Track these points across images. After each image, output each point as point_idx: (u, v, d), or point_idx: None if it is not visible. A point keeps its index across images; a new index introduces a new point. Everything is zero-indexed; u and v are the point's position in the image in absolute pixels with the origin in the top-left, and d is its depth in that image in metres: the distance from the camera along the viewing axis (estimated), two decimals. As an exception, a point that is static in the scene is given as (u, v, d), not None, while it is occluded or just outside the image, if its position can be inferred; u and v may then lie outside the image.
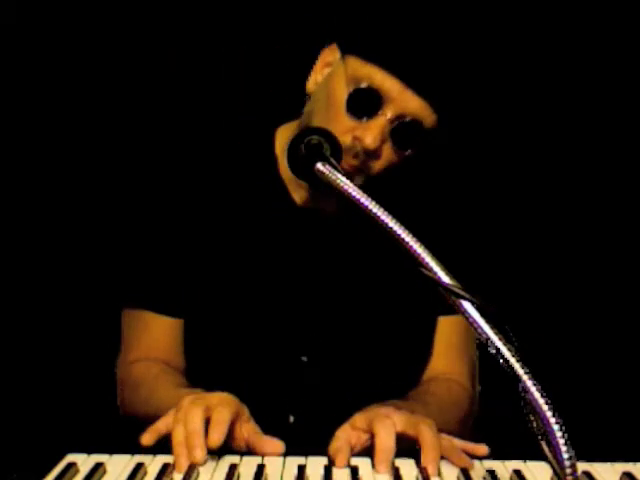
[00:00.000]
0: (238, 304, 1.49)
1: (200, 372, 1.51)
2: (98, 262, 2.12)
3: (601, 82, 2.19)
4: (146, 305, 1.53)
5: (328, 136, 1.35)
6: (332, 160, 1.29)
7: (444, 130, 1.43)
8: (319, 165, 1.27)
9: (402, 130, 1.37)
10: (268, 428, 1.25)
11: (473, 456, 1.18)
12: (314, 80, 1.48)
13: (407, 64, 1.34)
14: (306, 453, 1.17)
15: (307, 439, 1.37)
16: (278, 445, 1.20)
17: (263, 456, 1.17)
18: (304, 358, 1.49)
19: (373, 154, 1.38)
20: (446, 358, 1.57)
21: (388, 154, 1.39)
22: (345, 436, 1.21)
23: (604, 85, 2.19)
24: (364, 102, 1.37)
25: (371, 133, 1.35)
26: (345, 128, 1.37)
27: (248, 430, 1.22)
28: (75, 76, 2.15)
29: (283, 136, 1.54)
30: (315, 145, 1.33)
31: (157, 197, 1.55)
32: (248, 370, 1.48)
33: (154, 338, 1.53)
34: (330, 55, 1.46)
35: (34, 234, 2.17)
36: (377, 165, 1.40)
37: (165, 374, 1.47)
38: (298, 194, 1.51)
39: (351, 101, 1.37)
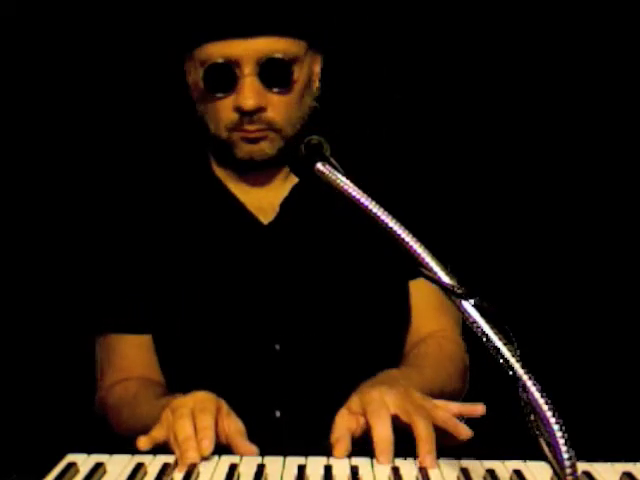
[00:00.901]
0: (204, 302, 1.49)
1: (179, 378, 1.50)
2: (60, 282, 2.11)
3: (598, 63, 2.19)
4: (110, 328, 1.54)
5: (328, 136, 1.36)
6: (332, 160, 1.29)
7: (314, 43, 1.47)
8: (319, 165, 1.27)
9: (266, 72, 1.41)
10: (255, 425, 1.26)
11: (473, 452, 1.18)
12: (192, 89, 1.52)
13: (214, 24, 1.40)
14: (306, 453, 1.17)
15: (296, 433, 1.38)
16: (252, 450, 1.19)
17: (263, 456, 1.17)
18: (277, 346, 1.48)
19: (259, 110, 1.41)
20: (428, 318, 1.55)
21: (275, 99, 1.43)
22: (344, 423, 1.21)
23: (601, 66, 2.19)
24: (218, 76, 1.42)
25: (243, 94, 1.40)
26: (225, 108, 1.43)
27: (229, 425, 1.22)
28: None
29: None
30: (315, 145, 1.33)
31: (103, 215, 1.57)
32: (224, 368, 1.47)
33: (128, 358, 1.53)
34: (189, 64, 1.50)
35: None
36: (273, 115, 1.43)
37: (143, 389, 1.47)
38: (236, 189, 1.54)
39: (208, 82, 1.42)
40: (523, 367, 0.96)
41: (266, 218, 1.53)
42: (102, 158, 1.98)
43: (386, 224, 1.11)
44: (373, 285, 1.51)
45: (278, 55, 1.41)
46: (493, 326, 1.01)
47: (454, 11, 2.15)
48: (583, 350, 2.20)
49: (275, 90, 1.43)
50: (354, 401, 1.23)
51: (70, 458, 1.15)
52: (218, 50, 1.40)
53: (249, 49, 1.39)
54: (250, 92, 1.40)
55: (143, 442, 1.18)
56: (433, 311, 1.56)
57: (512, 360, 0.97)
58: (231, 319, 1.48)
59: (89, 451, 1.17)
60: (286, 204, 1.52)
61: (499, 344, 0.99)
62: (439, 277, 1.05)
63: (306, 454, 1.17)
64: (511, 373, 0.96)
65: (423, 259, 1.07)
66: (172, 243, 1.53)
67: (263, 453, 1.19)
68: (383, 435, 1.16)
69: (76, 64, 2.12)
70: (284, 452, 1.17)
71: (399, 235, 1.09)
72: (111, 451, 1.17)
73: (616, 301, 2.22)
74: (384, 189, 1.36)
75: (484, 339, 1.01)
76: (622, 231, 2.22)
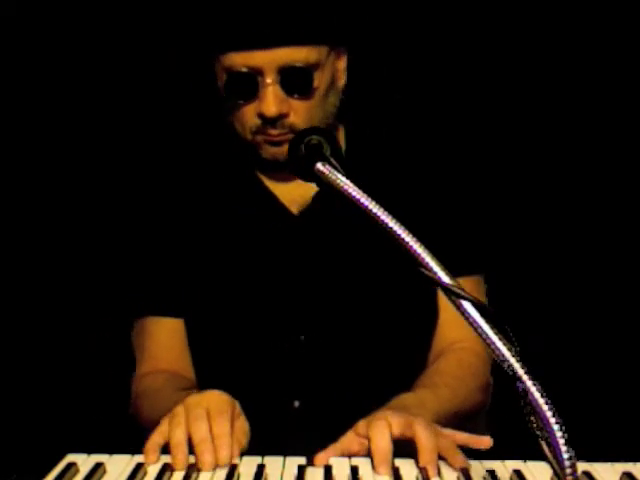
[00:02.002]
0: (233, 291, 1.51)
1: (203, 365, 1.53)
2: (95, 272, 2.13)
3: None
4: (145, 311, 1.56)
5: (328, 136, 1.36)
6: (332, 160, 1.29)
7: (336, 43, 1.49)
8: (319, 165, 1.27)
9: (287, 80, 1.43)
10: (273, 414, 1.26)
11: (474, 451, 1.18)
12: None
13: (236, 35, 1.42)
14: (306, 453, 1.17)
15: (313, 424, 1.38)
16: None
17: (263, 456, 1.17)
18: (302, 337, 1.49)
19: (281, 117, 1.44)
20: (454, 327, 1.53)
21: (297, 105, 1.45)
22: (347, 443, 1.21)
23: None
24: (240, 85, 1.44)
25: (265, 102, 1.42)
26: (249, 114, 1.45)
27: (237, 428, 1.22)
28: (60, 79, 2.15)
29: None
30: (315, 145, 1.34)
31: (140, 200, 1.60)
32: (249, 355, 1.49)
33: (159, 345, 1.55)
34: (218, 65, 1.52)
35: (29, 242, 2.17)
36: (295, 120, 1.45)
37: (168, 382, 1.49)
38: (271, 183, 1.56)
39: (230, 90, 1.45)
40: (523, 367, 0.96)
41: (297, 209, 1.54)
42: (147, 147, 1.98)
43: (386, 224, 1.11)
44: (401, 283, 1.51)
45: (298, 64, 1.43)
46: (493, 326, 1.01)
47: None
48: (583, 350, 2.20)
49: (296, 96, 1.45)
50: (361, 425, 1.23)
51: (70, 458, 1.15)
52: (241, 59, 1.42)
53: (270, 59, 1.41)
54: (272, 100, 1.42)
55: (150, 458, 1.16)
56: (459, 320, 1.56)
57: (512, 360, 0.97)
58: (259, 308, 1.50)
59: (89, 451, 1.17)
60: (318, 196, 1.53)
61: (499, 344, 0.99)
62: (439, 277, 1.05)
63: (306, 454, 1.17)
64: (511, 373, 0.96)
65: (423, 259, 1.07)
66: (206, 231, 1.55)
67: (280, 442, 1.19)
68: (381, 446, 1.15)
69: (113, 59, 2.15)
70: (284, 452, 1.18)
71: (399, 235, 1.09)
72: (111, 451, 1.17)
73: (616, 301, 2.22)
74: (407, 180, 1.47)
75: (484, 339, 1.01)
76: (621, 231, 2.22)
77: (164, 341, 1.56)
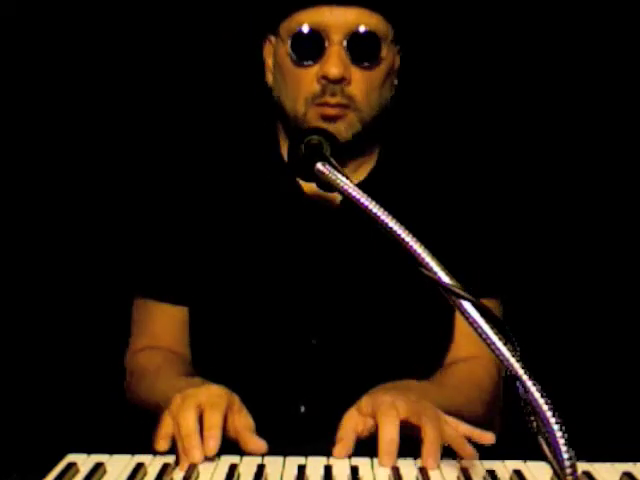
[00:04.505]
0: (245, 288, 1.49)
1: (209, 361, 1.51)
2: (103, 255, 2.13)
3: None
4: (150, 294, 1.55)
5: (328, 136, 1.36)
6: (332, 160, 1.29)
7: (400, 27, 1.48)
8: (319, 165, 1.27)
9: (354, 44, 1.41)
10: (279, 418, 1.24)
11: (479, 447, 1.18)
12: (269, 71, 1.55)
13: None
14: (306, 453, 1.17)
15: (318, 430, 1.37)
16: (261, 445, 1.18)
17: (263, 456, 1.17)
18: (314, 341, 1.47)
19: (343, 81, 1.41)
20: (469, 342, 1.51)
21: (358, 75, 1.43)
22: (352, 423, 1.21)
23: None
24: (306, 43, 1.43)
25: (329, 62, 1.40)
26: (308, 79, 1.43)
27: (240, 421, 1.21)
28: (78, 70, 2.14)
29: (280, 127, 1.58)
30: (315, 145, 1.34)
31: (161, 186, 1.58)
32: (257, 356, 1.47)
33: (159, 326, 1.55)
34: (269, 46, 1.53)
35: (41, 227, 2.17)
36: (354, 91, 1.43)
37: (167, 363, 1.48)
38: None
39: (295, 49, 1.43)
40: (523, 367, 0.96)
41: (326, 208, 1.51)
42: (168, 134, 1.98)
43: (386, 224, 1.11)
44: (420, 293, 1.47)
45: (369, 28, 1.42)
46: (493, 326, 1.01)
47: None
48: (583, 350, 2.20)
49: (362, 64, 1.43)
50: (365, 402, 1.22)
51: (70, 458, 1.15)
52: (308, 17, 1.41)
53: (338, 18, 1.40)
54: (337, 60, 1.40)
55: (161, 445, 1.17)
56: (473, 336, 1.55)
57: (512, 360, 0.97)
58: (271, 308, 1.48)
59: (89, 451, 1.17)
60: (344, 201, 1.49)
61: (499, 344, 0.99)
62: (439, 277, 1.05)
63: (306, 454, 1.17)
64: (511, 373, 0.96)
65: (423, 259, 1.07)
66: (224, 224, 1.53)
67: (284, 447, 1.18)
68: (390, 436, 1.15)
69: (141, 50, 2.14)
70: (284, 452, 1.18)
71: (399, 235, 1.09)
72: (111, 451, 1.17)
73: (616, 301, 2.22)
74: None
75: (484, 339, 1.01)
76: (621, 231, 2.22)
77: (163, 323, 1.54)
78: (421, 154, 1.62)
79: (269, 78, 1.55)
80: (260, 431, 1.22)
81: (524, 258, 2.12)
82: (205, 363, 1.52)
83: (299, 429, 1.43)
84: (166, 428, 1.18)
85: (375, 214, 1.13)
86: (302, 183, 1.52)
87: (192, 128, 1.66)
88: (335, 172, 1.25)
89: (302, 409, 1.46)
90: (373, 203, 1.14)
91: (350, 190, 1.18)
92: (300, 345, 1.47)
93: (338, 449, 1.17)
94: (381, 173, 1.56)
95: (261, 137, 1.60)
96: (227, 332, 1.50)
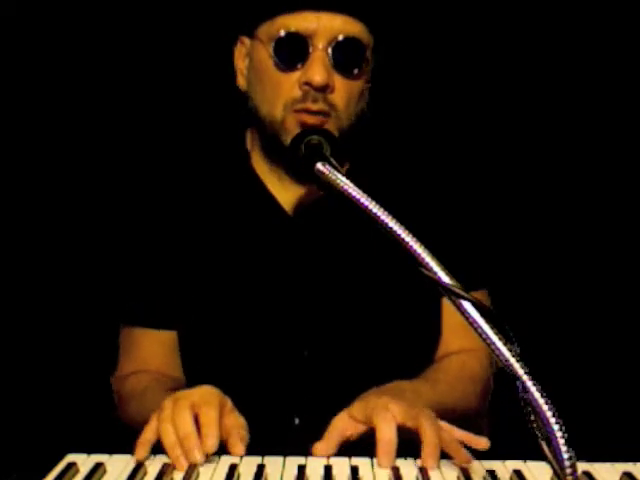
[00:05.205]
0: (233, 305, 1.48)
1: (202, 377, 1.49)
2: (93, 276, 2.13)
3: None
4: (135, 321, 1.54)
5: (328, 136, 1.36)
6: (332, 160, 1.29)
7: (380, 37, 1.46)
8: (319, 165, 1.27)
9: (338, 51, 1.39)
10: (274, 431, 1.24)
11: (474, 451, 1.18)
12: (241, 75, 1.51)
13: None
14: (306, 453, 1.17)
15: (313, 441, 1.37)
16: (240, 449, 1.17)
17: (263, 456, 1.17)
18: (305, 352, 1.46)
19: (326, 88, 1.39)
20: (458, 336, 1.52)
21: (340, 84, 1.41)
22: (340, 426, 1.20)
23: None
24: (290, 48, 1.40)
25: (313, 69, 1.38)
26: (289, 84, 1.40)
27: (231, 422, 1.21)
28: (78, 70, 2.14)
29: (253, 134, 1.56)
30: (315, 145, 1.33)
31: (137, 215, 1.57)
32: (250, 370, 1.47)
33: (146, 351, 1.53)
34: (241, 47, 1.50)
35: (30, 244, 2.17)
36: (336, 99, 1.41)
37: (155, 383, 1.47)
38: (274, 188, 1.52)
39: (279, 53, 1.40)
40: (523, 367, 0.96)
41: (299, 217, 1.50)
42: (139, 152, 1.97)
43: (386, 224, 1.11)
44: (405, 296, 1.49)
45: (355, 36, 1.40)
46: (493, 326, 1.01)
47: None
48: (583, 350, 2.20)
49: (344, 72, 1.41)
50: (357, 407, 1.22)
51: (70, 458, 1.15)
52: (293, 22, 1.39)
53: (325, 24, 1.38)
54: (321, 67, 1.38)
55: (139, 453, 1.15)
56: (464, 330, 1.53)
57: (512, 360, 0.97)
58: (261, 321, 1.47)
59: (89, 451, 1.17)
60: (320, 204, 1.48)
61: (499, 344, 0.99)
62: (439, 277, 1.05)
63: (306, 454, 1.17)
64: (511, 373, 0.96)
65: (423, 259, 1.07)
66: (204, 242, 1.52)
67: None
68: (387, 436, 1.15)
69: (106, 58, 2.14)
70: (284, 452, 1.18)
71: (399, 235, 1.09)
72: (111, 451, 1.17)
73: (616, 301, 2.22)
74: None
75: (484, 339, 1.01)
76: (621, 231, 2.22)
77: (150, 349, 1.53)
78: (396, 152, 1.60)
79: (241, 81, 1.51)
80: (255, 443, 1.21)
81: (513, 250, 2.13)
82: (198, 379, 1.50)
83: (294, 441, 1.41)
84: (148, 434, 1.17)
85: (375, 214, 1.13)
86: (274, 190, 1.51)
87: (168, 148, 1.65)
88: (335, 172, 1.25)
89: (296, 421, 1.45)
90: (373, 203, 1.14)
91: (350, 190, 1.18)
92: (292, 357, 1.46)
93: (319, 446, 1.17)
94: (357, 175, 1.54)
95: (229, 149, 1.58)
96: (218, 349, 1.49)
